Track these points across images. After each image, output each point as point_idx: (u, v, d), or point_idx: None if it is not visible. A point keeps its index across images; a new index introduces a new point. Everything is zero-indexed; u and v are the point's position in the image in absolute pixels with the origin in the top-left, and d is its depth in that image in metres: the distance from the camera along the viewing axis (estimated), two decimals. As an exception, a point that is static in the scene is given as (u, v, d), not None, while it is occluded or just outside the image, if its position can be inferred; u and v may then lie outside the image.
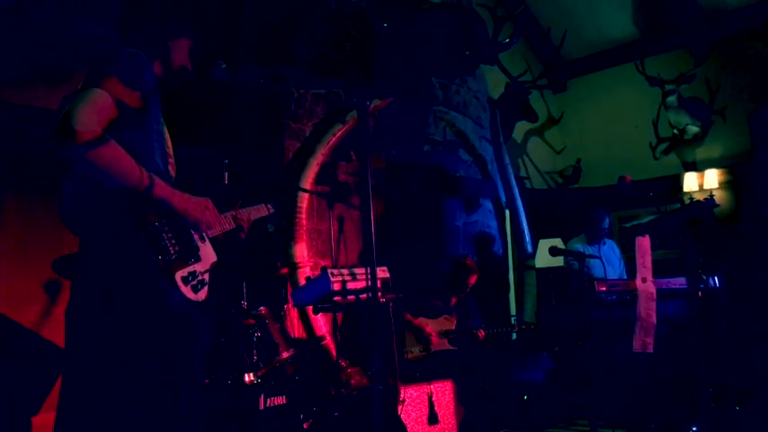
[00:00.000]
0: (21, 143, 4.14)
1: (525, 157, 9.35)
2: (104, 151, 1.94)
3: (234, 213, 2.57)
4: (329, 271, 3.60)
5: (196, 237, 2.27)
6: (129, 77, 2.07)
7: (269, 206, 2.88)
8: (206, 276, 2.24)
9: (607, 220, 6.21)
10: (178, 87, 2.41)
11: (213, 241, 2.41)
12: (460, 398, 4.89)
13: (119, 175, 1.99)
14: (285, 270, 5.08)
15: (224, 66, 2.50)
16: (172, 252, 2.11)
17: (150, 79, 2.19)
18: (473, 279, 5.55)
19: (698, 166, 8.31)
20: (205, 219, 2.26)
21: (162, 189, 2.11)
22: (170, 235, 2.13)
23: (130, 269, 2.03)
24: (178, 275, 2.10)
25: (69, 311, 2.10)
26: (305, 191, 5.49)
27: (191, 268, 2.17)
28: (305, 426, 3.78)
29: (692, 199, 7.69)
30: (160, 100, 2.29)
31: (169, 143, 2.33)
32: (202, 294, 2.21)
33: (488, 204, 7.78)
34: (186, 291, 2.12)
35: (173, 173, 2.32)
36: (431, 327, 5.15)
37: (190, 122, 4.52)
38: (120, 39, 2.35)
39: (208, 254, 2.30)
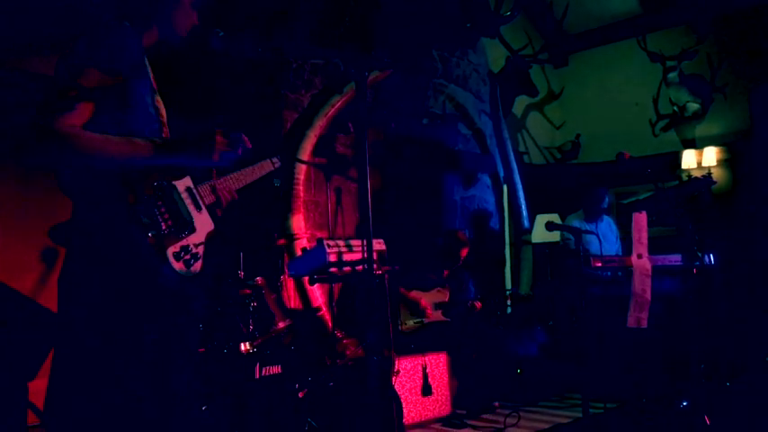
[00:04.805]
0: (16, 111, 4.12)
1: (524, 132, 9.32)
2: (89, 145, 1.95)
3: (212, 184, 2.49)
4: (325, 242, 3.61)
5: (191, 207, 2.24)
6: (107, 62, 2.04)
7: (274, 160, 2.82)
8: (200, 249, 2.21)
9: (607, 199, 6.23)
10: (178, 47, 2.37)
11: (212, 209, 2.38)
12: (454, 370, 4.94)
13: (117, 155, 2.00)
14: (282, 241, 5.09)
15: (221, 34, 2.45)
16: (164, 227, 2.09)
17: (135, 52, 2.15)
18: (464, 252, 5.59)
19: (697, 144, 8.29)
20: (216, 154, 2.20)
21: (170, 145, 2.13)
22: (163, 209, 2.10)
23: (119, 245, 2.02)
24: (170, 251, 2.08)
25: (62, 280, 2.11)
26: (303, 162, 5.47)
27: (183, 242, 2.14)
28: (300, 395, 3.81)
29: (689, 176, 7.69)
30: (152, 69, 2.26)
31: (163, 112, 2.31)
32: (196, 267, 2.18)
33: (486, 179, 7.78)
34: (178, 266, 2.10)
35: None
36: (425, 299, 5.19)
37: (187, 92, 4.49)
38: (117, 6, 2.31)
39: (204, 223, 2.28)
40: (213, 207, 2.39)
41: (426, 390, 4.67)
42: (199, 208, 2.28)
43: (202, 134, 2.22)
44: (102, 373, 2.03)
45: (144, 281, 2.05)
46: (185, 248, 2.14)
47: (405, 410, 4.38)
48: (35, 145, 1.93)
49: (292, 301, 5.36)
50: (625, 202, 8.35)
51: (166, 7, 2.30)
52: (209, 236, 2.29)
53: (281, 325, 4.09)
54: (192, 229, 2.20)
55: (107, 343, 2.03)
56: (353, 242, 3.75)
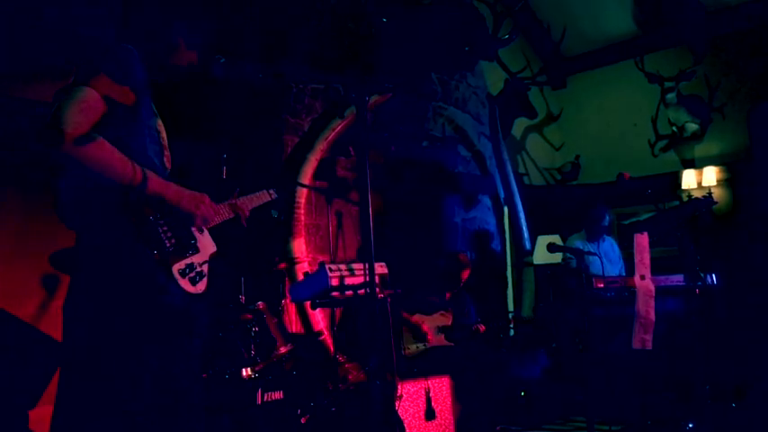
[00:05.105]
0: (20, 137, 4.14)
1: (524, 154, 9.34)
2: (93, 149, 1.96)
3: (233, 202, 2.56)
4: (327, 266, 3.59)
5: (194, 228, 2.27)
6: (118, 74, 2.07)
7: (271, 192, 2.85)
8: (204, 268, 2.24)
9: (607, 218, 6.22)
10: (178, 80, 2.40)
11: (214, 231, 2.41)
12: (458, 394, 4.90)
13: (110, 171, 2.00)
14: (283, 265, 5.08)
15: (222, 60, 2.48)
16: (168, 245, 2.10)
17: (140, 75, 2.18)
18: (466, 274, 5.56)
19: (696, 164, 8.30)
20: (200, 212, 2.25)
21: (156, 183, 2.11)
22: (165, 228, 2.12)
23: (126, 265, 2.03)
24: (175, 268, 2.10)
25: (67, 305, 2.10)
26: (303, 186, 5.48)
27: (188, 260, 2.17)
28: (302, 420, 3.78)
29: (690, 196, 7.69)
30: (153, 94, 2.28)
31: (164, 135, 2.33)
32: (201, 286, 2.20)
33: (487, 201, 7.79)
34: (184, 283, 2.12)
35: (168, 165, 2.32)
36: (427, 324, 5.16)
37: (188, 117, 4.51)
38: (117, 34, 2.35)
39: (206, 245, 2.30)
40: (235, 222, 2.46)
41: (430, 414, 4.62)
42: (201, 230, 2.31)
43: (197, 193, 2.27)
44: (108, 398, 2.02)
45: (150, 307, 2.06)
46: (190, 266, 2.17)
47: (408, 435, 4.34)
48: (49, 142, 1.93)
49: (294, 325, 5.34)
50: (626, 222, 8.35)
51: (163, 51, 2.33)
52: (212, 257, 2.31)
53: (282, 350, 4.07)
54: (196, 249, 2.22)
55: (113, 368, 2.03)
56: (355, 266, 3.73)
